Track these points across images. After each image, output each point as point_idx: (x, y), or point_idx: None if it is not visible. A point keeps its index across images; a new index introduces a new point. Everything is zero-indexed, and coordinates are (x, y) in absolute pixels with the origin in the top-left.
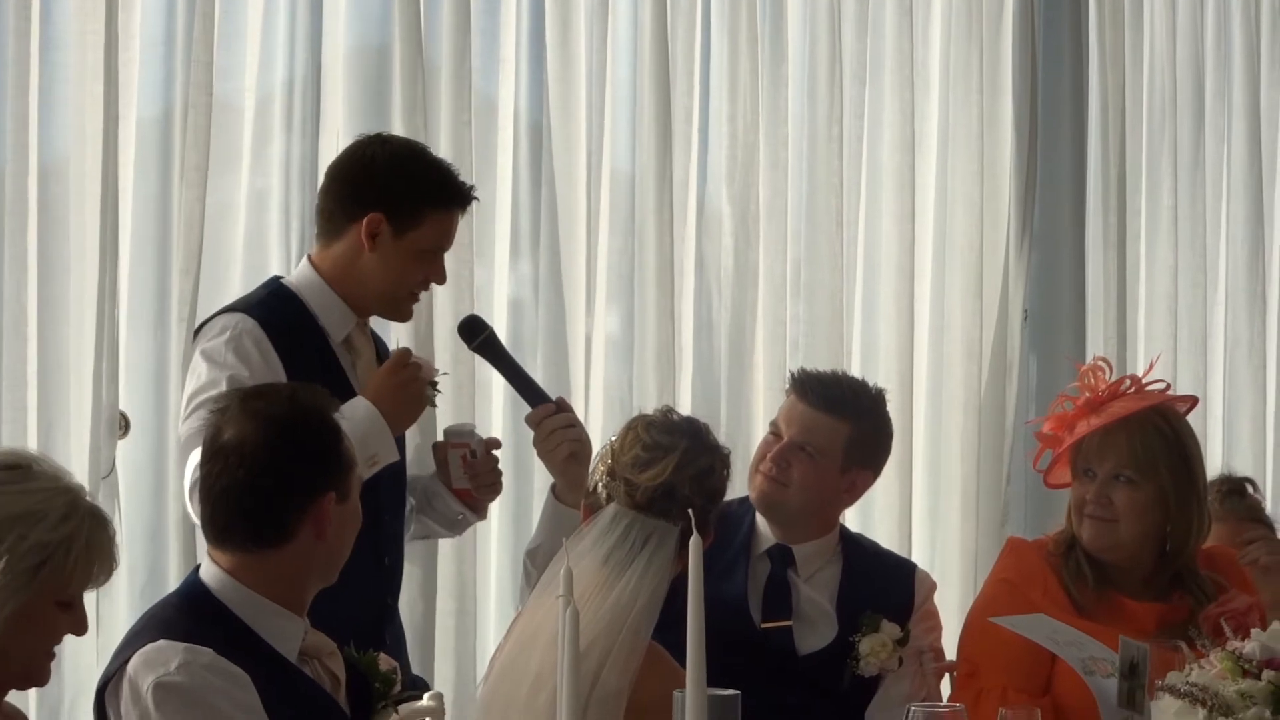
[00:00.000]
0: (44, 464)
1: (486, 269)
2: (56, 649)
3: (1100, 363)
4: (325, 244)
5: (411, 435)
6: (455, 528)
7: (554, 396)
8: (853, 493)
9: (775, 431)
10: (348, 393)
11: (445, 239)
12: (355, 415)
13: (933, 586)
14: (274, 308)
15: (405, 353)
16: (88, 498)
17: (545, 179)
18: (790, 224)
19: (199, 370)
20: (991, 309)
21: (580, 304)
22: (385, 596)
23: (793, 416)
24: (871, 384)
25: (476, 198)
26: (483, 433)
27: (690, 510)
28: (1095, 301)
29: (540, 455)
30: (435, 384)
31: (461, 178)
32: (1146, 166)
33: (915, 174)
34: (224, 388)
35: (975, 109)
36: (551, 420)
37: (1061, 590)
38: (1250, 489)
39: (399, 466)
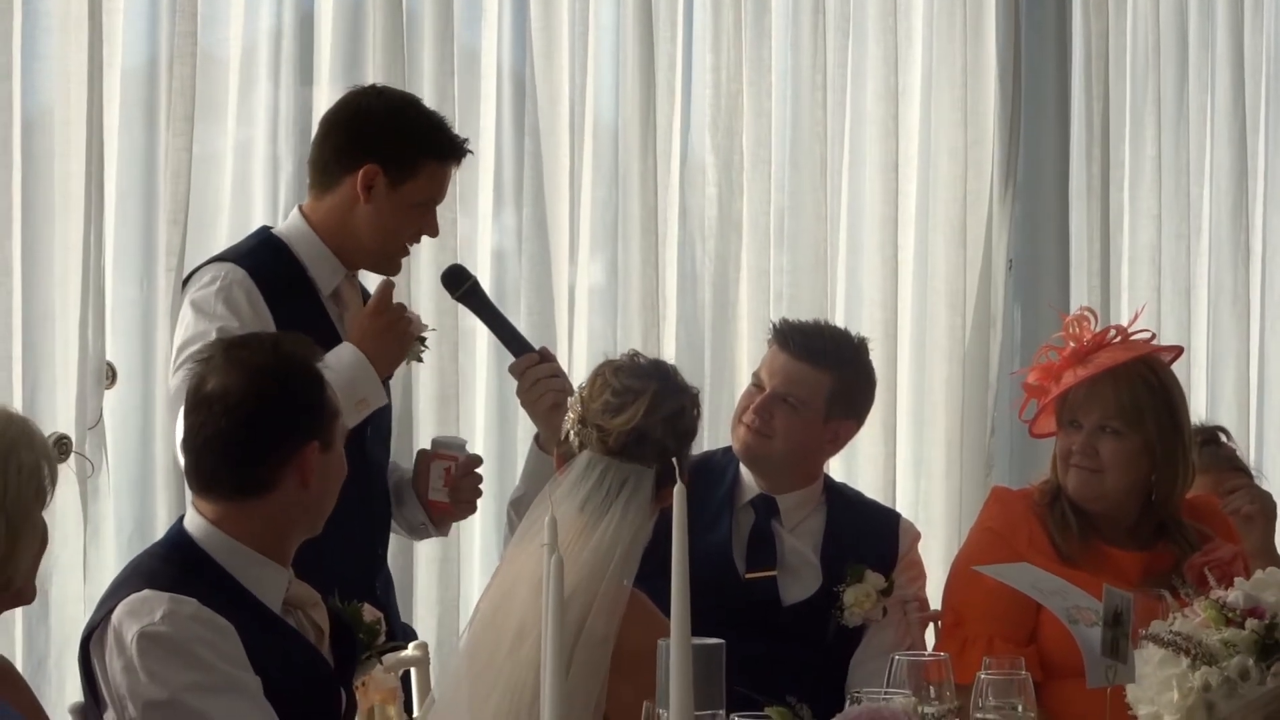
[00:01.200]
0: None
1: (470, 220)
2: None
3: (1085, 312)
4: (318, 195)
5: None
6: (414, 534)
7: (538, 346)
8: (836, 443)
9: (757, 383)
10: (335, 345)
11: (440, 191)
12: (341, 360)
13: (917, 536)
14: (263, 258)
15: (388, 293)
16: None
17: (529, 129)
18: (774, 173)
19: (188, 320)
20: (975, 258)
21: (564, 254)
22: (375, 546)
23: (775, 367)
24: (854, 333)
25: (470, 150)
26: (469, 435)
27: (668, 455)
28: (1079, 251)
29: (524, 405)
30: (423, 339)
31: (459, 137)
32: (1130, 115)
33: (899, 123)
34: (214, 338)
35: (959, 58)
36: (535, 370)
37: (1047, 539)
38: (1224, 437)
39: (386, 418)
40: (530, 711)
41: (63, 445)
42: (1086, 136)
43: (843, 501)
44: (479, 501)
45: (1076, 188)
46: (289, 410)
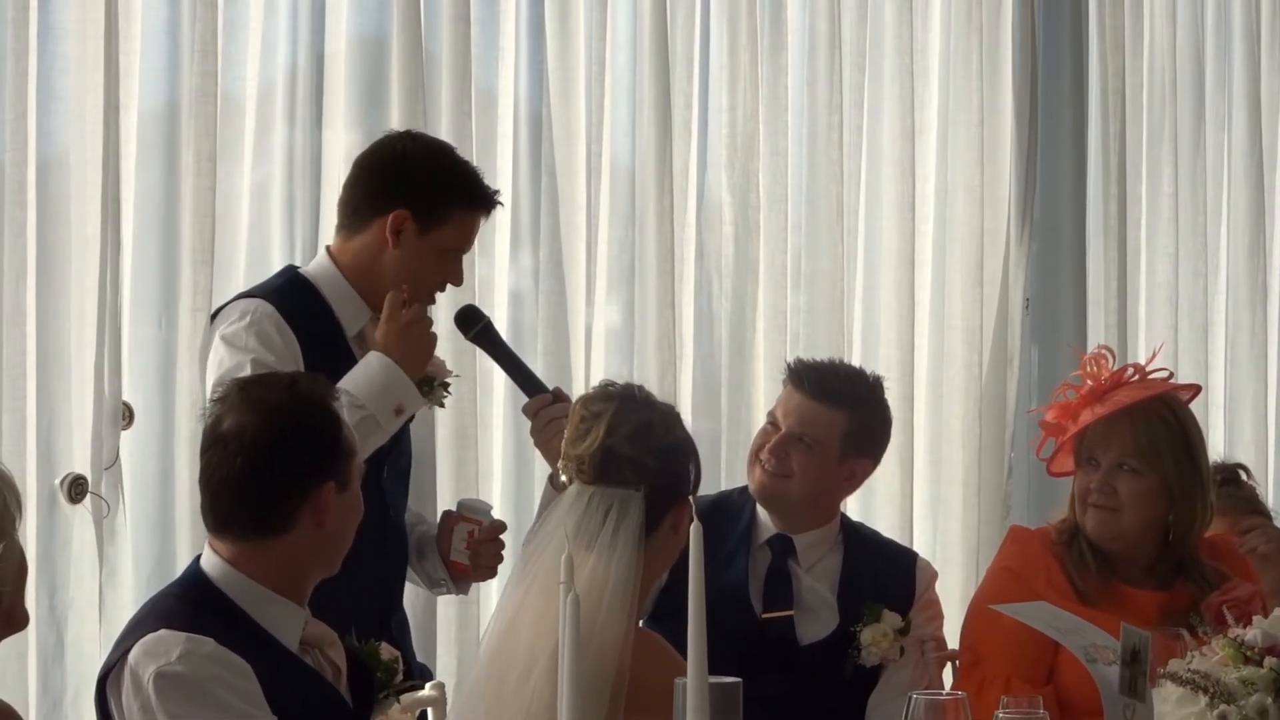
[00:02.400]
0: None
1: (487, 260)
2: None
3: (1103, 351)
4: (346, 236)
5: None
6: (433, 588)
7: (551, 386)
8: (852, 482)
9: (773, 422)
10: None
11: (467, 241)
12: (370, 369)
13: (934, 576)
14: (290, 295)
15: (398, 300)
16: None
17: (545, 170)
18: (790, 213)
19: (221, 355)
20: (992, 298)
21: (580, 295)
22: (391, 585)
23: (790, 407)
24: (869, 372)
25: (501, 203)
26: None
27: (652, 475)
28: (1096, 290)
29: (537, 445)
30: (446, 383)
31: (491, 188)
32: (1147, 154)
33: (915, 162)
34: (249, 371)
35: (975, 97)
36: (548, 410)
37: (1065, 579)
38: (1244, 475)
39: (404, 458)
40: None
41: (78, 486)
42: (1103, 175)
43: (859, 541)
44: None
45: (1093, 226)
46: (305, 450)
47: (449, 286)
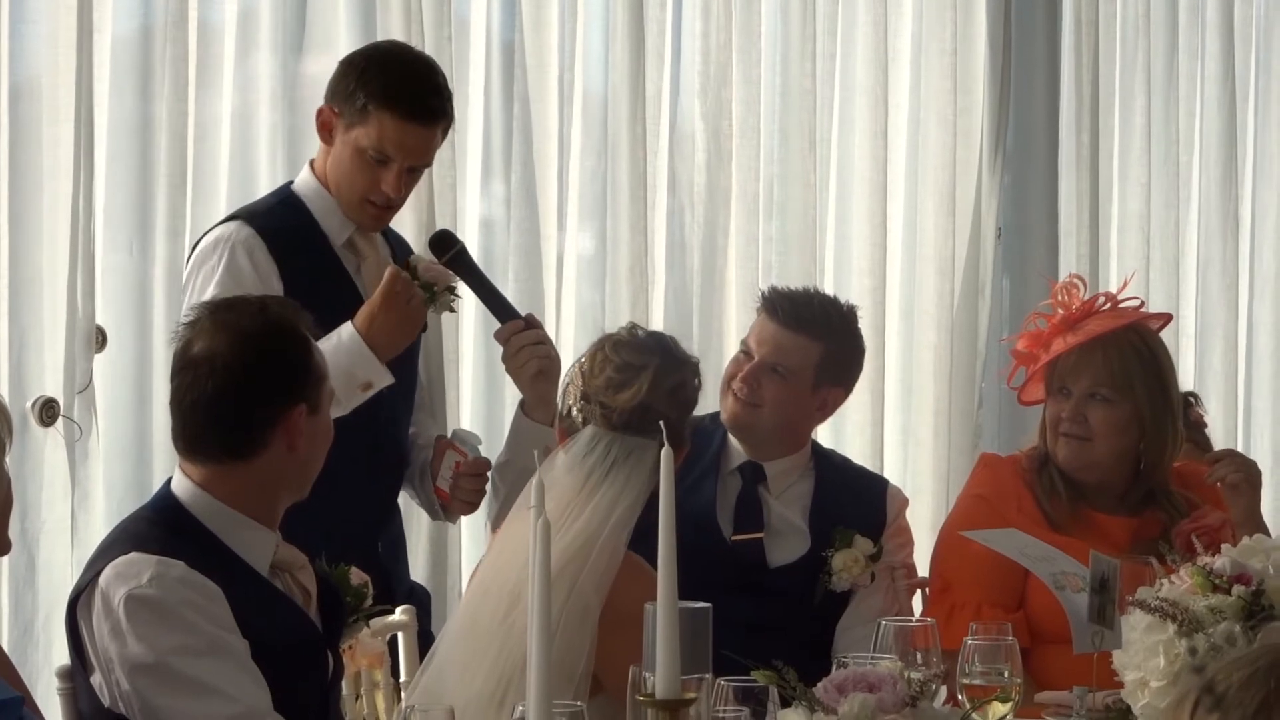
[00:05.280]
0: None
1: (459, 188)
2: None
3: (1075, 280)
4: (325, 147)
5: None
6: (431, 513)
7: (524, 314)
8: (824, 411)
9: (746, 350)
10: (352, 295)
11: (387, 145)
12: (341, 343)
13: (904, 503)
14: (276, 214)
15: (394, 283)
16: None
17: (518, 98)
18: (763, 141)
19: (196, 283)
20: (964, 227)
21: (553, 222)
22: (382, 501)
23: (764, 336)
24: (844, 301)
25: (438, 117)
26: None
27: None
28: (1068, 219)
29: (509, 371)
30: (452, 288)
31: (434, 98)
32: (1120, 83)
33: (889, 91)
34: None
35: (949, 25)
36: (520, 337)
37: (1035, 506)
38: (1193, 401)
39: (410, 373)
40: (521, 677)
41: (50, 409)
42: (1076, 104)
43: (830, 468)
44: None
45: (1066, 156)
46: (276, 373)
47: (418, 208)
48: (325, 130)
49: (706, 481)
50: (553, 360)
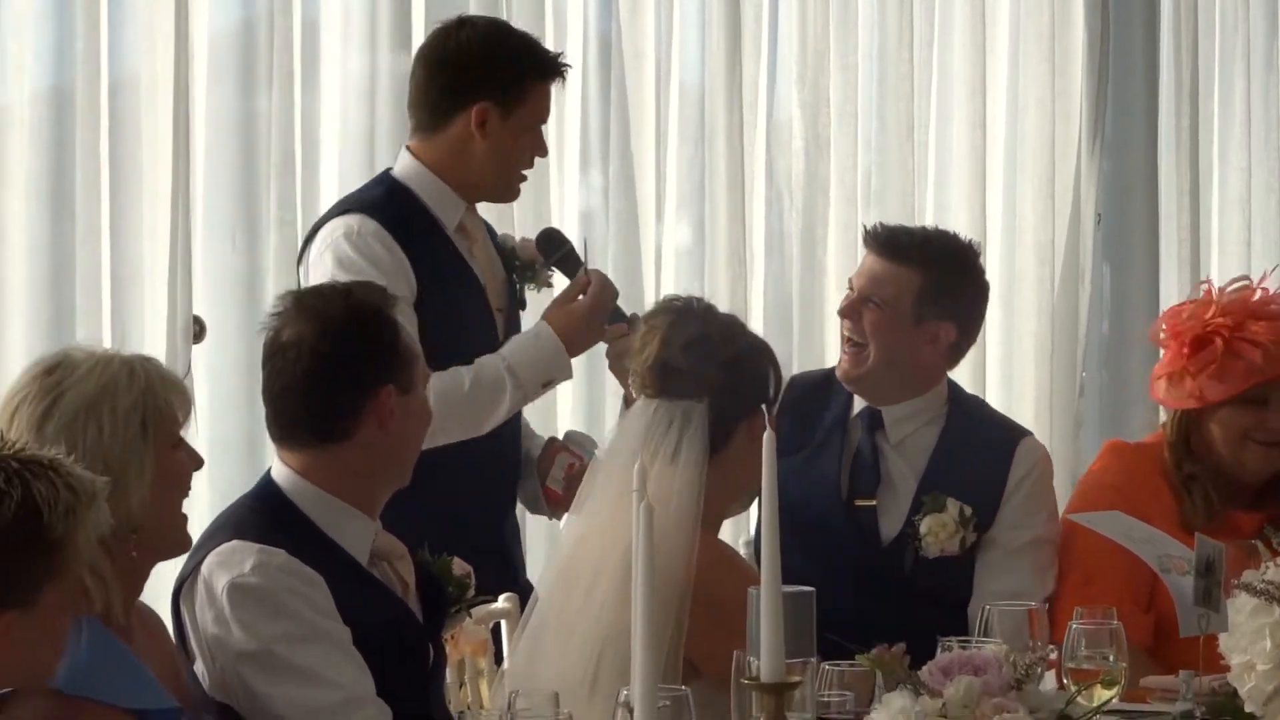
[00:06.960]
0: (76, 349)
1: (558, 179)
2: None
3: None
4: (426, 135)
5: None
6: (530, 506)
7: (627, 309)
8: (936, 344)
9: (851, 288)
10: (469, 277)
11: (545, 111)
12: (539, 340)
13: (1040, 461)
14: (390, 204)
15: (605, 288)
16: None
17: (615, 88)
18: (861, 130)
19: (331, 272)
20: (1063, 213)
21: (651, 213)
22: (503, 490)
23: (862, 269)
24: (963, 236)
25: (569, 64)
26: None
27: (716, 384)
28: (1168, 205)
29: (613, 370)
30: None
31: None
32: (1219, 68)
33: (986, 78)
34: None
35: (1046, 11)
36: (626, 340)
37: (1176, 508)
38: None
39: None
40: (612, 654)
41: None
42: (1175, 89)
43: (961, 414)
44: None
45: (1165, 141)
46: (362, 355)
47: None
48: (481, 127)
49: (831, 439)
50: None
